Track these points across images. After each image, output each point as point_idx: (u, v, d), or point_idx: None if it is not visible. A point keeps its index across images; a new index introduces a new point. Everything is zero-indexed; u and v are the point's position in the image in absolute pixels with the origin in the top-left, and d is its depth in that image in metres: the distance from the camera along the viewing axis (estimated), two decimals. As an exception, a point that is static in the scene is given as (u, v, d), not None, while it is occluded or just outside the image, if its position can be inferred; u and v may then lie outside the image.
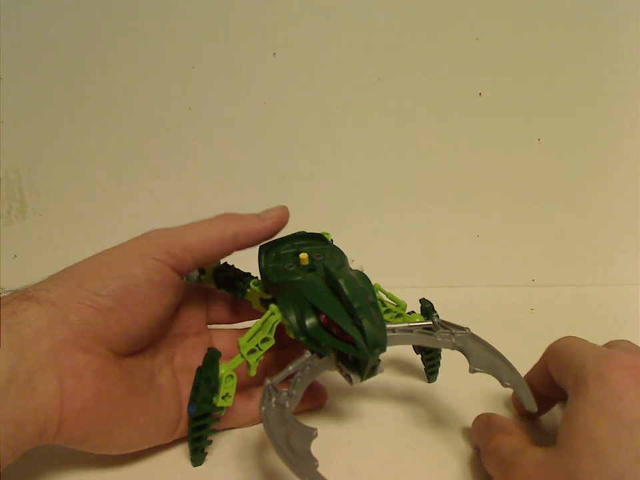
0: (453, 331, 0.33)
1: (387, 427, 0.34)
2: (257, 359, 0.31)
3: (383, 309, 0.34)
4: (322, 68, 0.50)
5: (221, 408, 0.30)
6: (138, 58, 0.49)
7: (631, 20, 0.49)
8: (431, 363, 0.38)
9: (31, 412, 0.24)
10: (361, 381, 0.30)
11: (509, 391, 0.30)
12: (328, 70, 0.50)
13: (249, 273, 0.37)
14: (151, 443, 0.31)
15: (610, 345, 0.28)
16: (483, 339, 0.32)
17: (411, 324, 0.33)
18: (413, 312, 0.36)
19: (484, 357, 0.31)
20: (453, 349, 0.32)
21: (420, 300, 0.36)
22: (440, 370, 0.38)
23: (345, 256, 0.35)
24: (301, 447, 0.25)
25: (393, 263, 0.55)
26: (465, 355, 0.31)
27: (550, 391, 0.32)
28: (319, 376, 0.31)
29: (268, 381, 0.28)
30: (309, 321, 0.30)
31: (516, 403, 0.35)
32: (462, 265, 0.56)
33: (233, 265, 0.38)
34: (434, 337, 0.32)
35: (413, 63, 0.50)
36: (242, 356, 0.30)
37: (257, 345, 0.31)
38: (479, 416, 0.32)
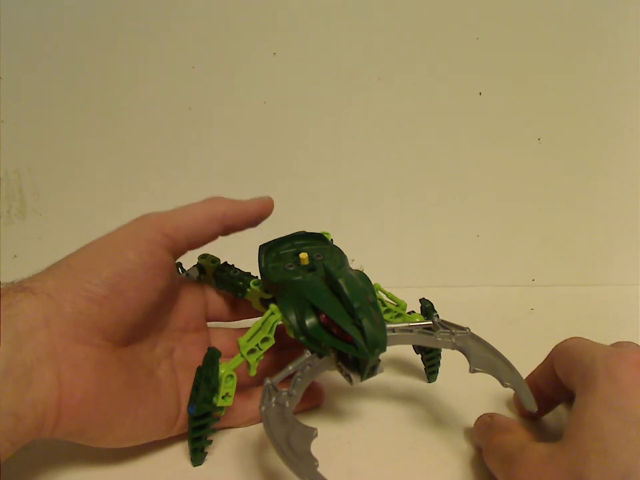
0: (453, 331, 0.33)
1: (386, 426, 0.34)
2: (257, 359, 0.31)
3: (383, 309, 0.35)
4: (322, 68, 0.50)
5: (221, 408, 0.30)
6: (138, 58, 0.49)
7: (631, 20, 0.49)
8: (431, 362, 0.38)
9: (29, 404, 0.24)
10: (361, 380, 0.30)
11: (510, 391, 0.30)
12: (328, 70, 0.50)
13: (249, 273, 0.37)
14: (149, 437, 0.30)
15: (616, 345, 0.28)
16: (483, 338, 0.32)
17: (410, 324, 0.33)
18: (413, 312, 0.36)
19: (484, 357, 0.31)
20: (453, 349, 0.32)
21: (420, 300, 0.36)
22: (440, 370, 0.38)
23: (345, 256, 0.35)
24: (300, 446, 0.25)
25: (393, 263, 0.55)
26: (465, 354, 0.31)
27: (554, 391, 0.32)
28: (319, 375, 0.31)
29: (268, 381, 0.28)
30: (309, 321, 0.30)
31: (517, 403, 0.35)
32: (462, 265, 0.56)
33: (233, 265, 0.38)
34: (434, 337, 0.32)
35: (413, 63, 0.50)
36: (242, 356, 0.30)
37: (257, 345, 0.31)
38: (480, 416, 0.32)
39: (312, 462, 0.24)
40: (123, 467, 0.31)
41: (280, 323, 0.31)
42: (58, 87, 0.50)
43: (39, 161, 0.52)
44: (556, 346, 0.31)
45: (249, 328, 0.31)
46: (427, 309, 0.35)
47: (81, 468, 0.31)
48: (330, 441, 0.33)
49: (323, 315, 0.30)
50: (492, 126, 0.52)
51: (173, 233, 0.30)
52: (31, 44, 0.49)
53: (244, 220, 0.33)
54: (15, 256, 0.54)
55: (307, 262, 0.33)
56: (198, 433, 0.31)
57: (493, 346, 0.32)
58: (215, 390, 0.30)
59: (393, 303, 0.36)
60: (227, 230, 0.33)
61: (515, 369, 0.30)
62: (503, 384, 0.29)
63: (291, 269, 0.33)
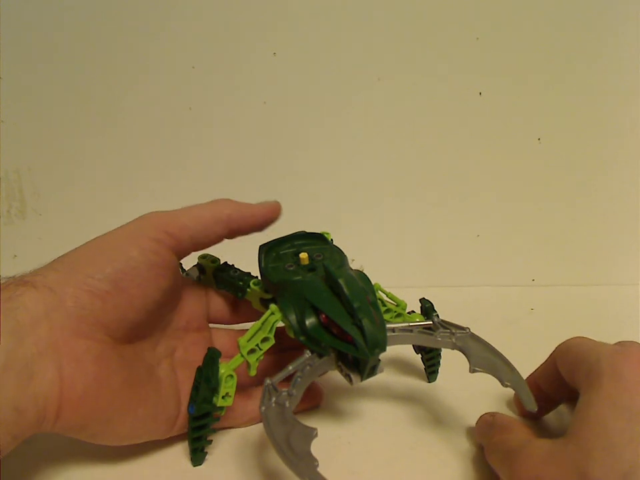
0: (453, 331, 0.33)
1: (387, 426, 0.34)
2: (257, 359, 0.30)
3: (383, 309, 0.35)
4: (322, 68, 0.50)
5: (221, 408, 0.30)
6: (138, 58, 0.49)
7: (631, 20, 0.49)
8: (430, 362, 0.38)
9: (30, 398, 0.24)
10: (361, 380, 0.30)
11: (510, 390, 0.30)
12: (328, 70, 0.50)
13: (249, 273, 0.37)
14: (148, 436, 0.30)
15: (620, 344, 0.28)
16: (483, 338, 0.32)
17: (410, 324, 0.33)
18: (413, 312, 0.36)
19: (484, 357, 0.31)
20: (453, 349, 0.32)
21: (420, 300, 0.36)
22: (440, 370, 0.38)
23: (345, 256, 0.35)
24: (300, 446, 0.25)
25: (393, 263, 0.55)
26: (465, 354, 0.31)
27: (555, 391, 0.32)
28: (319, 376, 0.31)
29: (268, 381, 0.28)
30: (309, 321, 0.30)
31: (517, 403, 0.35)
32: (462, 264, 0.56)
33: (233, 265, 0.38)
34: (434, 337, 0.32)
35: (413, 63, 0.50)
36: (242, 355, 0.30)
37: (257, 345, 0.31)
38: (482, 415, 0.32)
39: (312, 462, 0.24)
40: (123, 466, 0.31)
41: (280, 322, 0.31)
42: (58, 87, 0.50)
43: (39, 161, 0.52)
44: (559, 345, 0.31)
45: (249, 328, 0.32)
46: (427, 308, 0.35)
47: (82, 466, 0.31)
48: (330, 440, 0.33)
49: (322, 315, 0.30)
50: (492, 126, 0.52)
51: (178, 232, 0.30)
52: (30, 44, 0.49)
53: (250, 223, 0.33)
54: (15, 256, 0.54)
55: (307, 262, 0.33)
56: (198, 432, 0.31)
57: (493, 346, 0.32)
58: (214, 390, 0.30)
59: (393, 302, 0.36)
60: (233, 233, 0.33)
61: (515, 368, 0.30)
62: (502, 384, 0.29)
63: (291, 268, 0.33)
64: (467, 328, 0.33)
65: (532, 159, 0.53)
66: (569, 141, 0.52)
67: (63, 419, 0.26)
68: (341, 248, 0.35)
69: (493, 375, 0.30)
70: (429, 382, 0.39)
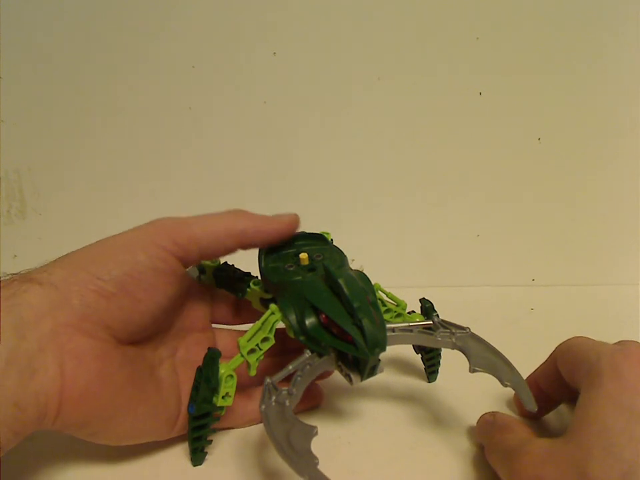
0: (453, 331, 0.33)
1: (387, 426, 0.34)
2: (257, 359, 0.30)
3: (383, 309, 0.34)
4: (322, 67, 0.50)
5: (221, 408, 0.30)
6: (138, 58, 0.49)
7: (630, 20, 0.49)
8: (431, 362, 0.38)
9: (31, 394, 0.24)
10: (361, 380, 0.30)
11: (510, 390, 0.30)
12: (328, 69, 0.50)
13: (249, 273, 0.37)
14: (149, 436, 0.30)
15: (620, 344, 0.28)
16: (483, 338, 0.32)
17: (411, 323, 0.33)
18: (413, 312, 0.36)
19: (484, 357, 0.31)
20: (453, 349, 0.32)
21: (420, 300, 0.36)
22: (440, 370, 0.38)
23: (345, 256, 0.35)
24: (301, 444, 0.25)
25: (393, 263, 0.55)
26: (465, 354, 0.31)
27: (555, 391, 0.32)
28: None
29: (268, 380, 0.28)
30: (309, 321, 0.30)
31: (518, 403, 0.35)
32: (462, 264, 0.56)
33: (232, 265, 0.38)
34: (434, 337, 0.32)
35: (412, 63, 0.50)
36: (242, 355, 0.30)
37: (257, 345, 0.31)
38: (483, 415, 0.32)
39: (312, 459, 0.24)
40: (122, 465, 0.31)
41: (280, 322, 0.31)
42: (58, 86, 0.50)
43: (38, 160, 0.52)
44: (559, 345, 0.31)
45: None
46: (427, 308, 0.35)
47: (82, 465, 0.31)
48: (330, 440, 0.33)
49: (322, 315, 0.30)
50: (492, 126, 0.52)
51: (186, 243, 0.30)
52: (30, 44, 0.49)
53: (264, 239, 0.32)
54: (15, 256, 0.54)
55: (306, 262, 0.33)
56: (198, 432, 0.31)
57: (493, 346, 0.32)
58: (214, 390, 0.29)
59: (393, 302, 0.36)
60: (244, 247, 0.32)
61: (515, 368, 0.30)
62: (502, 383, 0.29)
63: (291, 269, 0.33)
64: (467, 328, 0.33)
65: (532, 159, 0.53)
66: (569, 141, 0.52)
67: (64, 416, 0.26)
68: (341, 248, 0.35)
69: (493, 375, 0.30)
70: (429, 382, 0.39)
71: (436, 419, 0.35)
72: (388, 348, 0.30)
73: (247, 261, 0.36)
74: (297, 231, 0.34)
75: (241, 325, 0.38)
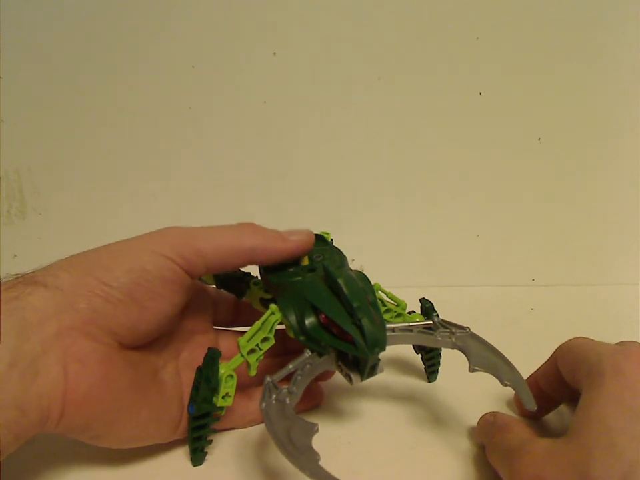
0: (453, 330, 0.33)
1: (386, 426, 0.34)
2: (257, 359, 0.30)
3: (383, 309, 0.35)
4: (322, 67, 0.50)
5: (221, 408, 0.30)
6: (138, 57, 0.49)
7: (630, 20, 0.49)
8: (431, 362, 0.38)
9: (33, 397, 0.24)
10: (361, 380, 0.30)
11: (510, 391, 0.30)
12: (328, 69, 0.50)
13: (249, 273, 0.37)
14: (151, 439, 0.30)
15: (621, 344, 0.28)
16: (483, 338, 0.32)
17: (410, 323, 0.33)
18: (413, 311, 0.36)
19: (484, 356, 0.31)
20: (452, 348, 0.32)
21: (420, 299, 0.36)
22: (440, 370, 0.38)
23: (345, 256, 0.35)
24: (302, 441, 0.25)
25: (393, 263, 0.55)
26: (464, 354, 0.31)
27: (555, 391, 0.32)
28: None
29: (268, 378, 0.28)
30: (309, 321, 0.30)
31: (518, 403, 0.35)
32: (462, 264, 0.56)
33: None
34: (434, 337, 0.32)
35: (413, 63, 0.50)
36: (242, 355, 0.30)
37: (257, 345, 0.31)
38: (484, 415, 0.32)
39: (313, 456, 0.24)
40: (122, 465, 0.31)
41: (280, 322, 0.31)
42: (58, 86, 0.50)
43: (38, 160, 0.52)
44: (560, 346, 0.31)
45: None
46: (427, 308, 0.35)
47: (81, 466, 0.31)
48: (330, 440, 0.33)
49: (322, 315, 0.30)
50: (492, 126, 0.52)
51: (193, 257, 0.29)
52: (30, 44, 0.49)
53: (274, 258, 0.32)
54: (15, 256, 0.54)
55: (306, 263, 0.33)
56: (198, 432, 0.31)
57: (493, 345, 0.32)
58: (214, 390, 0.29)
59: (393, 302, 0.36)
60: (253, 264, 0.32)
61: (515, 368, 0.30)
62: (502, 383, 0.29)
63: (291, 269, 0.33)
64: (467, 327, 0.33)
65: (532, 158, 0.53)
66: (569, 140, 0.52)
67: (66, 419, 0.26)
68: (341, 248, 0.35)
69: (493, 374, 0.30)
70: (429, 382, 0.39)
71: (436, 419, 0.35)
72: (388, 348, 0.29)
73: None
74: (309, 251, 0.33)
75: (245, 327, 0.38)
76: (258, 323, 0.31)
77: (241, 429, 0.34)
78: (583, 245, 0.55)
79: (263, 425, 0.34)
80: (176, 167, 0.53)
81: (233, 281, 0.36)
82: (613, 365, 0.25)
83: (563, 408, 0.34)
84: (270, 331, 0.31)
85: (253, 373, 0.30)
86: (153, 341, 0.31)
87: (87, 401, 0.26)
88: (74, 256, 0.29)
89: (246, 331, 0.31)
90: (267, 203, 0.54)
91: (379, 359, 0.30)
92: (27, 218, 0.54)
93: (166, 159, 0.52)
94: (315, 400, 0.36)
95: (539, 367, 0.33)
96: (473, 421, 0.33)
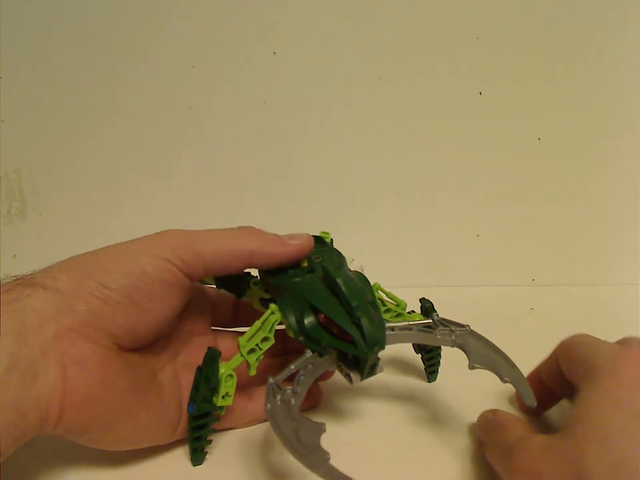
0: (453, 328, 0.33)
1: (386, 426, 0.34)
2: (257, 359, 0.30)
3: (382, 309, 0.35)
4: (322, 67, 0.50)
5: (221, 407, 0.30)
6: (138, 57, 0.49)
7: (631, 20, 0.49)
8: (430, 362, 0.38)
9: (32, 399, 0.24)
10: (361, 380, 0.30)
11: (510, 390, 0.30)
12: (328, 69, 0.50)
13: (249, 273, 0.37)
14: (150, 441, 0.30)
15: (622, 342, 0.29)
16: (483, 335, 0.32)
17: (410, 322, 0.33)
18: (413, 311, 0.36)
19: (483, 354, 0.31)
20: (452, 346, 0.32)
21: (420, 299, 0.36)
22: (440, 369, 0.38)
23: (344, 257, 0.35)
24: (310, 440, 0.24)
25: (393, 263, 0.55)
26: (464, 351, 0.31)
27: (558, 385, 0.32)
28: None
29: (271, 380, 0.28)
30: (308, 321, 0.30)
31: (519, 399, 0.35)
32: (462, 264, 0.56)
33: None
34: (433, 335, 0.33)
35: (413, 63, 0.50)
36: (242, 355, 0.30)
37: (257, 345, 0.31)
38: (484, 412, 0.32)
39: (323, 455, 0.24)
40: (122, 465, 0.31)
41: (280, 322, 0.31)
42: (58, 86, 0.50)
43: (38, 160, 0.52)
44: (562, 341, 0.32)
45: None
46: (427, 308, 0.35)
47: (81, 466, 0.31)
48: (330, 440, 0.32)
49: (322, 315, 0.30)
50: (492, 126, 0.52)
51: (193, 260, 0.29)
52: (30, 44, 0.49)
53: (273, 262, 0.32)
54: (15, 256, 0.54)
55: (305, 264, 0.33)
56: (198, 432, 0.31)
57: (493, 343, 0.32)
58: (214, 389, 0.29)
59: (392, 302, 0.36)
60: (252, 267, 0.32)
61: (515, 364, 0.31)
62: (502, 380, 0.29)
63: (290, 270, 0.33)
64: (467, 325, 0.33)
65: (532, 158, 0.53)
66: (569, 140, 0.52)
67: (65, 422, 0.26)
68: (340, 248, 0.35)
69: (492, 371, 0.30)
70: (429, 382, 0.39)
71: (436, 418, 0.35)
72: (388, 347, 0.30)
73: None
74: (308, 255, 0.33)
75: (244, 328, 0.38)
76: (258, 323, 0.31)
77: (241, 429, 0.34)
78: (583, 245, 0.55)
79: (263, 425, 0.34)
80: (176, 166, 0.53)
81: (232, 281, 0.36)
82: (611, 364, 0.26)
83: (564, 404, 0.34)
84: (270, 331, 0.31)
85: (253, 372, 0.30)
86: (152, 343, 0.31)
87: (86, 403, 0.26)
88: (73, 258, 0.29)
89: (244, 332, 0.31)
90: (267, 203, 0.54)
91: (379, 359, 0.30)
92: (27, 218, 0.54)
93: (166, 159, 0.52)
94: (314, 399, 0.36)
95: (542, 362, 0.34)
96: (473, 420, 0.33)
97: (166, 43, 0.49)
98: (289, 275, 0.32)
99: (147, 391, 0.30)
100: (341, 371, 0.31)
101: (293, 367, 0.29)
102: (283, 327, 0.31)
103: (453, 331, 0.32)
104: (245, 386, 0.33)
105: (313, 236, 0.36)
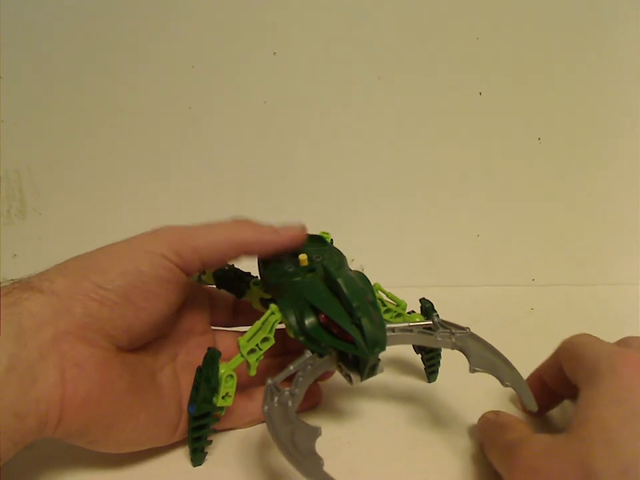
0: (453, 331, 0.33)
1: (386, 426, 0.34)
2: (257, 359, 0.30)
3: (383, 309, 0.35)
4: (322, 67, 0.50)
5: (221, 408, 0.30)
6: (138, 57, 0.49)
7: (631, 20, 0.49)
8: (431, 362, 0.38)
9: (31, 402, 0.24)
10: (361, 380, 0.30)
11: (510, 390, 0.30)
12: (328, 69, 0.50)
13: (249, 273, 0.37)
14: (149, 443, 0.30)
15: (623, 342, 0.29)
16: (483, 338, 0.32)
17: (410, 323, 0.33)
18: (413, 311, 0.36)
19: (484, 357, 0.31)
20: (452, 349, 0.32)
21: (420, 299, 0.36)
22: (440, 370, 0.38)
23: (344, 257, 0.35)
24: (305, 445, 0.24)
25: (393, 263, 0.55)
26: (464, 354, 0.31)
27: (560, 386, 0.32)
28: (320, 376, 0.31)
29: (269, 381, 0.28)
30: (308, 321, 0.30)
31: (521, 400, 0.35)
32: (462, 264, 0.56)
33: (233, 265, 0.38)
34: (434, 337, 0.32)
35: (413, 63, 0.50)
36: (242, 355, 0.30)
37: (257, 345, 0.31)
38: (485, 413, 0.32)
39: (317, 461, 0.24)
40: (122, 466, 0.31)
41: (280, 322, 0.31)
42: (58, 86, 0.50)
43: (38, 160, 0.52)
44: (563, 341, 0.31)
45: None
46: (427, 308, 0.35)
47: (80, 466, 0.31)
48: (330, 440, 0.32)
49: (322, 315, 0.30)
50: (492, 126, 0.52)
51: (189, 254, 0.29)
52: (30, 44, 0.49)
53: (268, 250, 0.32)
54: (15, 256, 0.54)
55: (306, 263, 0.33)
56: (198, 433, 0.31)
57: (493, 345, 0.32)
58: (214, 390, 0.29)
59: (393, 302, 0.36)
60: (247, 256, 0.32)
61: (515, 368, 0.30)
62: (503, 383, 0.29)
63: (290, 270, 0.33)
64: (467, 328, 0.33)
65: (532, 158, 0.53)
66: (569, 140, 0.52)
67: (64, 424, 0.26)
68: (340, 248, 0.35)
69: (493, 375, 0.30)
70: (429, 382, 0.39)
71: (436, 418, 0.35)
72: (388, 348, 0.30)
73: (247, 261, 0.36)
74: (302, 244, 0.33)
75: (244, 327, 0.38)
76: (258, 323, 0.31)
77: (241, 429, 0.34)
78: (582, 245, 0.55)
79: (263, 425, 0.34)
80: (176, 166, 0.53)
81: (232, 280, 0.36)
82: (610, 366, 0.26)
83: (566, 405, 0.34)
84: (270, 331, 0.31)
85: (253, 373, 0.30)
86: (150, 343, 0.31)
87: (85, 405, 0.26)
88: (69, 260, 0.29)
89: (244, 332, 0.31)
90: (267, 203, 0.54)
91: (379, 359, 0.30)
92: (27, 218, 0.54)
93: (166, 158, 0.52)
94: (314, 399, 0.36)
95: (544, 362, 0.34)
96: (473, 420, 0.33)
97: (166, 43, 0.49)
98: (289, 274, 0.32)
99: (147, 392, 0.30)
100: (341, 371, 0.31)
101: (292, 367, 0.29)
102: (283, 326, 0.31)
103: (453, 334, 0.32)
104: (245, 386, 0.33)
105: (313, 235, 0.36)
